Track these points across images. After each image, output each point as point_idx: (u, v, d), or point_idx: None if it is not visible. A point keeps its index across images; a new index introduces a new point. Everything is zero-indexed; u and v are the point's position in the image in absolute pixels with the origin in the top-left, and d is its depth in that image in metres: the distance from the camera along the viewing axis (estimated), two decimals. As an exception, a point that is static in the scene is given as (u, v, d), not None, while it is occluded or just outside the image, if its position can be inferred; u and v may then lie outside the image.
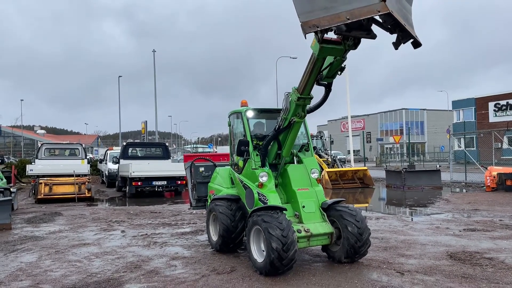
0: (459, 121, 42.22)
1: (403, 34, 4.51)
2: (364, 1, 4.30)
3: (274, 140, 6.10)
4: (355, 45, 4.83)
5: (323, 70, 5.24)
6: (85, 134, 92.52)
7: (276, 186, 6.28)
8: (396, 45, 4.64)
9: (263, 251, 5.48)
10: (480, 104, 41.71)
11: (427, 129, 63.06)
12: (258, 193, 6.02)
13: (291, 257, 5.20)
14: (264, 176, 6.05)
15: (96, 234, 8.72)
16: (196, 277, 5.48)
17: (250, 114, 6.57)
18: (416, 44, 4.63)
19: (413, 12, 4.89)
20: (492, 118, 40.04)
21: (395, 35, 4.57)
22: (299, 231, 5.59)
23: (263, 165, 6.22)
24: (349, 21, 4.32)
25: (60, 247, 7.45)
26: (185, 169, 8.59)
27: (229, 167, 7.33)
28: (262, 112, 6.92)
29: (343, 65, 5.22)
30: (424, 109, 65.51)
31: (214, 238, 6.87)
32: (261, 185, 6.05)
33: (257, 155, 6.26)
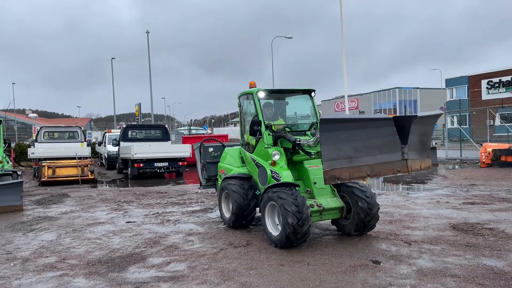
0: (452, 99, 42.65)
1: None
2: (387, 156, 4.56)
3: (288, 141, 6.29)
4: None
5: None
6: (77, 117, 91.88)
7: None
8: None
9: (278, 225, 5.77)
10: (473, 82, 42.06)
11: (420, 107, 63.54)
12: (271, 171, 6.27)
13: (306, 231, 5.49)
14: (276, 154, 6.29)
15: (108, 213, 8.97)
16: (215, 251, 5.77)
17: (261, 95, 6.74)
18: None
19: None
20: (484, 96, 40.47)
21: None
22: (311, 206, 5.87)
23: (275, 144, 6.46)
24: (368, 177, 4.65)
25: (76, 226, 7.69)
26: (194, 150, 8.81)
27: (239, 147, 7.56)
28: (272, 93, 7.12)
29: None
30: (417, 88, 65.83)
31: (227, 215, 7.15)
32: (273, 163, 6.29)
33: (269, 134, 6.49)
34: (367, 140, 4.60)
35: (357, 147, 4.59)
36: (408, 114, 4.72)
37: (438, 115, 5.41)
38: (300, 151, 6.12)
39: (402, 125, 4.53)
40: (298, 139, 6.08)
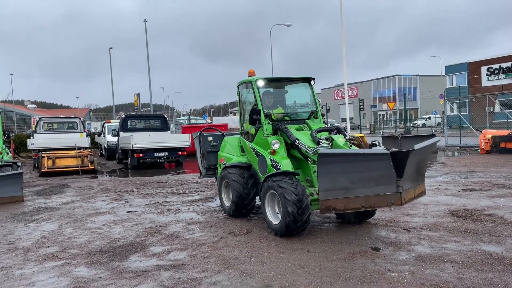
0: (452, 86, 42.54)
1: None
2: (382, 188, 4.64)
3: (287, 137, 6.31)
4: None
5: None
6: (76, 108, 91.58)
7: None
8: None
9: (278, 213, 5.79)
10: (473, 68, 41.92)
11: (420, 94, 63.45)
12: (271, 160, 6.28)
13: (306, 220, 5.51)
14: (276, 143, 6.29)
15: (109, 203, 9.00)
16: (215, 239, 5.80)
17: (260, 83, 6.72)
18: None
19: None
20: (484, 83, 40.37)
21: None
22: (311, 194, 5.86)
23: (274, 133, 6.46)
24: (363, 209, 4.78)
25: (77, 216, 7.73)
26: (194, 139, 8.81)
27: (238, 135, 7.56)
28: (271, 82, 7.10)
29: None
30: (417, 75, 65.69)
31: (227, 204, 7.17)
32: (273, 152, 6.29)
33: (268, 123, 6.49)
34: (364, 172, 4.72)
35: (353, 179, 4.73)
36: (406, 150, 4.73)
37: (436, 142, 5.51)
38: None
39: (399, 159, 4.62)
40: (298, 140, 6.07)
